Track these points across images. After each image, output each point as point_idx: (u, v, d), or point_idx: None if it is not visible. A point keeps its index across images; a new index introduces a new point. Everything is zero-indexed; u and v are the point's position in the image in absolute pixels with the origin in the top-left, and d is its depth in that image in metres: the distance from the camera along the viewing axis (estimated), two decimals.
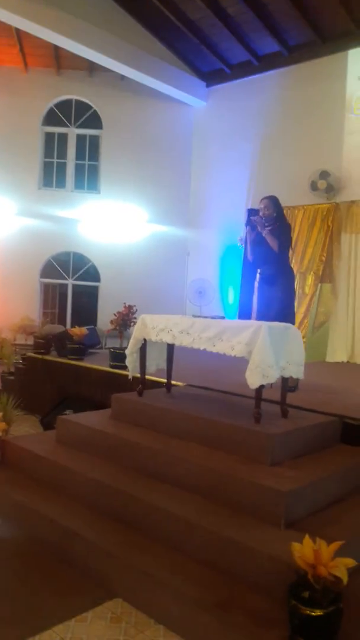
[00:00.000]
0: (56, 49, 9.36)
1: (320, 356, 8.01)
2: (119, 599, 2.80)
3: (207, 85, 10.25)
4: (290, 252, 5.08)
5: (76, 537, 3.13)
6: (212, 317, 4.23)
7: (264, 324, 3.61)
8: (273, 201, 4.89)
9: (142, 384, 4.34)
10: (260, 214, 4.85)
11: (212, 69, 10.02)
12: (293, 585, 2.26)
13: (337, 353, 8.10)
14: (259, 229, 4.80)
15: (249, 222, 4.89)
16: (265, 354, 3.48)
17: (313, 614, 2.14)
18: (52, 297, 10.66)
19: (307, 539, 2.29)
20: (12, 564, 3.10)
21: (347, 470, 3.42)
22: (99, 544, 3.02)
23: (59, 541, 3.21)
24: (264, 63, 9.41)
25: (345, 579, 2.18)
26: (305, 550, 2.25)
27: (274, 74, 9.31)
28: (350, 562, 2.24)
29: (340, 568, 2.19)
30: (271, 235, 4.71)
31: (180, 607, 2.57)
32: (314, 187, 8.36)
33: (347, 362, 7.94)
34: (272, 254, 4.76)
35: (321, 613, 2.14)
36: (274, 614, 2.41)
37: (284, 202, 8.38)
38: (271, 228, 4.76)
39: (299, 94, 8.94)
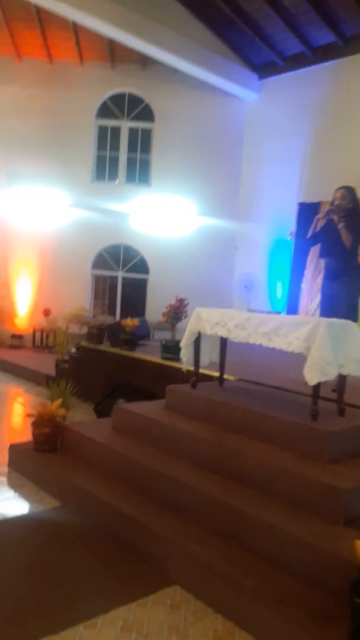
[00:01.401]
0: (110, 42, 9.48)
1: None
2: (177, 587, 2.86)
3: (260, 78, 10.16)
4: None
5: (135, 524, 3.21)
6: (267, 312, 4.23)
7: (323, 320, 3.58)
8: (350, 192, 4.62)
9: (196, 377, 4.38)
10: (335, 203, 4.59)
11: (265, 61, 9.93)
12: (356, 582, 2.25)
13: None
14: (335, 220, 4.55)
15: (327, 213, 4.64)
16: (324, 350, 3.45)
17: None
18: (103, 289, 10.85)
19: None
20: (73, 547, 3.21)
21: None
22: (158, 531, 3.09)
23: (119, 527, 3.30)
24: (318, 55, 9.25)
25: None
26: None
27: (329, 66, 9.14)
28: None
29: None
30: (346, 229, 4.47)
31: (238, 598, 2.60)
32: None
33: None
34: (341, 249, 4.53)
35: None
36: (333, 611, 2.41)
37: None
38: (346, 221, 4.50)
39: (354, 86, 8.74)
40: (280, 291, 9.53)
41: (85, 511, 3.58)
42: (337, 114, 8.95)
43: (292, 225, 9.18)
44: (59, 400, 4.42)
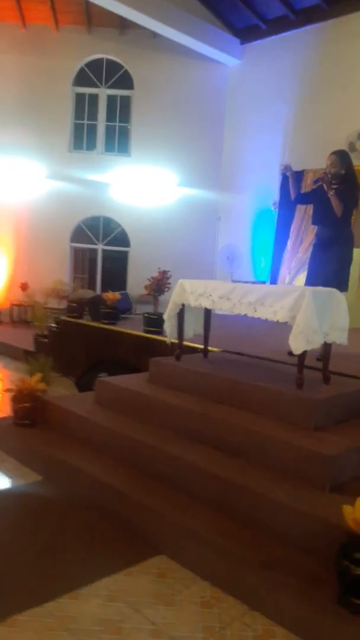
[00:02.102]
0: (87, 5, 9.13)
1: (356, 323, 7.87)
2: (163, 556, 2.85)
3: (242, 43, 9.90)
4: (354, 213, 4.60)
5: (120, 496, 3.18)
6: (252, 282, 4.16)
7: (308, 289, 3.54)
8: (341, 157, 4.37)
9: (179, 349, 4.33)
10: (327, 171, 4.37)
11: (247, 24, 9.66)
12: (344, 546, 2.25)
13: None
14: (325, 187, 4.32)
15: (316, 181, 4.43)
16: (309, 319, 3.41)
17: None
18: (82, 262, 10.67)
19: (359, 502, 2.28)
20: (57, 521, 3.17)
21: None
22: (143, 502, 3.06)
23: (102, 499, 3.27)
24: (301, 17, 9.02)
25: None
26: (357, 512, 2.25)
27: (312, 29, 8.93)
28: None
29: None
30: (337, 197, 4.26)
31: (226, 565, 2.60)
32: (351, 147, 8.07)
33: None
34: (332, 218, 4.35)
35: None
36: (321, 574, 2.43)
37: (319, 164, 8.17)
38: (337, 188, 4.29)
39: (338, 50, 8.56)
40: (264, 261, 9.47)
41: (69, 484, 3.54)
42: (321, 79, 8.78)
43: (275, 195, 9.07)
44: (39, 375, 4.34)
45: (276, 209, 8.89)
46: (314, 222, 4.66)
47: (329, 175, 4.35)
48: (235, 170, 9.92)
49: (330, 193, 4.25)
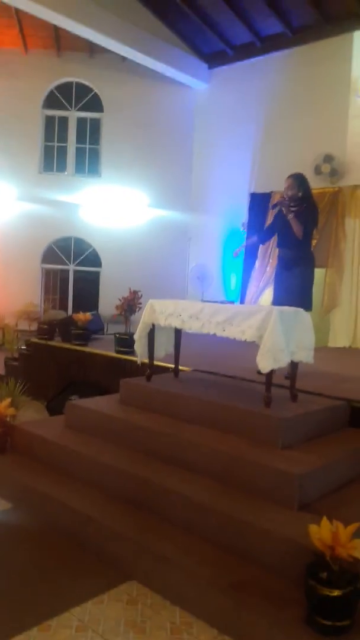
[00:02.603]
0: (56, 29, 9.22)
1: (322, 341, 8.01)
2: (133, 582, 2.82)
3: (209, 67, 10.12)
4: (316, 234, 4.76)
5: (90, 521, 3.14)
6: (221, 302, 4.23)
7: (275, 309, 3.61)
8: (298, 180, 4.52)
9: (150, 369, 4.34)
10: (284, 194, 4.52)
11: (214, 50, 9.89)
12: (311, 566, 2.28)
13: (339, 338, 8.11)
14: (284, 211, 4.48)
15: (275, 205, 4.58)
16: (276, 338, 3.47)
17: (331, 594, 2.16)
18: (54, 283, 10.62)
19: (324, 521, 2.31)
20: (26, 549, 3.12)
21: (357, 453, 3.44)
22: (113, 527, 3.03)
23: (73, 525, 3.22)
24: (267, 44, 9.28)
25: None
26: (323, 532, 2.27)
27: (278, 56, 9.19)
28: None
29: (358, 549, 2.21)
30: (296, 220, 4.39)
31: (195, 588, 2.59)
32: (317, 170, 8.29)
33: (350, 347, 7.96)
34: (293, 239, 4.49)
35: (339, 593, 2.16)
36: (289, 594, 2.44)
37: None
38: (296, 210, 4.43)
39: (302, 76, 8.83)
40: (234, 281, 9.58)
41: (37, 511, 3.49)
42: (287, 103, 9.02)
43: (244, 216, 9.23)
44: (7, 400, 4.28)
45: (245, 229, 9.03)
46: (277, 245, 4.79)
47: (287, 198, 4.48)
48: (205, 191, 10.07)
49: (290, 215, 4.40)
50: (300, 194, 4.51)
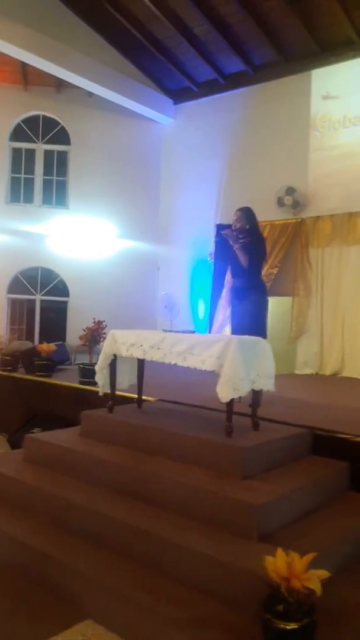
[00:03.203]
0: (23, 65, 9.34)
1: (289, 369, 8.09)
2: (89, 621, 2.73)
3: (175, 103, 10.39)
4: (264, 264, 5.01)
5: (46, 558, 3.05)
6: (183, 332, 4.25)
7: (234, 338, 3.64)
8: (245, 213, 4.77)
9: (112, 400, 4.30)
10: (233, 226, 4.74)
11: (180, 86, 10.17)
12: (267, 599, 2.24)
13: (305, 365, 8.20)
14: (230, 242, 4.69)
15: (218, 236, 4.81)
16: (236, 367, 3.49)
17: (287, 627, 2.13)
18: (20, 313, 10.49)
19: (279, 552, 2.29)
20: None
21: (319, 482, 3.44)
22: (70, 564, 2.95)
23: (30, 563, 3.12)
24: (230, 82, 9.60)
25: (318, 591, 2.17)
26: (279, 563, 2.24)
27: (240, 93, 9.50)
28: (324, 573, 2.24)
29: (314, 580, 2.18)
30: (242, 250, 4.62)
31: (153, 626, 2.52)
32: (280, 202, 8.51)
33: (316, 374, 8.05)
34: (242, 269, 4.69)
35: (296, 626, 2.12)
36: (248, 629, 2.38)
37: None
38: (243, 242, 4.65)
39: (264, 112, 9.13)
40: (202, 311, 9.65)
41: None
42: (249, 138, 9.29)
43: (210, 247, 9.36)
44: None
45: (212, 260, 9.15)
46: (231, 274, 4.95)
47: (234, 231, 4.67)
48: (172, 222, 10.20)
49: (236, 246, 4.59)
50: (247, 226, 4.74)
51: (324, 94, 8.46)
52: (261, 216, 8.60)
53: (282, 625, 2.13)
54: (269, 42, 8.47)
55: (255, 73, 9.22)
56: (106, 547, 3.09)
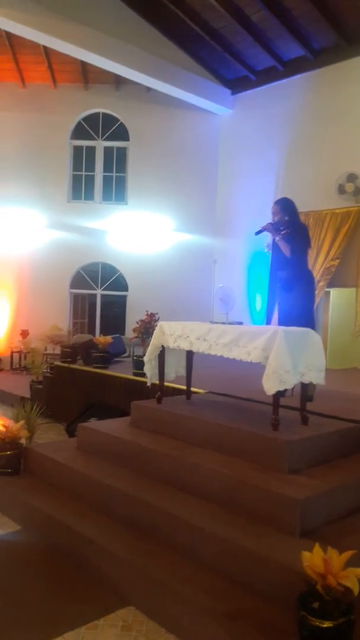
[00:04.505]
0: (83, 64, 9.57)
1: (351, 363, 7.81)
2: (131, 607, 2.78)
3: (233, 93, 10.25)
4: (310, 253, 4.88)
5: (92, 544, 3.13)
6: (230, 323, 4.20)
7: (280, 329, 3.55)
8: (281, 205, 4.65)
9: (160, 391, 4.33)
10: (272, 220, 4.66)
11: (237, 76, 10.03)
12: (303, 595, 2.18)
13: None
14: (272, 235, 4.63)
15: (259, 231, 4.71)
16: (282, 359, 3.41)
17: (323, 625, 2.06)
18: (82, 307, 10.80)
19: (317, 548, 2.22)
20: (29, 571, 3.12)
21: None
22: (114, 551, 3.01)
23: (75, 548, 3.21)
24: (289, 68, 9.35)
25: (356, 590, 2.09)
26: (315, 559, 2.18)
27: (300, 79, 9.24)
28: None
29: (351, 578, 2.11)
30: (283, 240, 4.52)
31: (190, 616, 2.52)
32: (341, 190, 8.22)
33: None
34: (286, 260, 4.58)
35: (331, 625, 2.06)
36: (284, 625, 2.34)
37: (310, 206, 8.31)
38: (285, 233, 4.55)
39: (324, 97, 8.83)
40: (259, 303, 9.51)
41: (44, 534, 3.49)
42: (310, 125, 9.02)
43: (268, 238, 9.17)
44: (22, 422, 4.34)
45: (269, 251, 8.97)
46: (277, 266, 4.85)
47: (273, 224, 4.60)
48: (230, 214, 10.11)
49: (277, 238, 4.49)
50: (286, 217, 4.61)
51: None
52: (321, 205, 8.49)
53: (317, 623, 2.07)
54: (328, 25, 8.17)
55: (314, 58, 8.93)
56: (148, 536, 3.12)
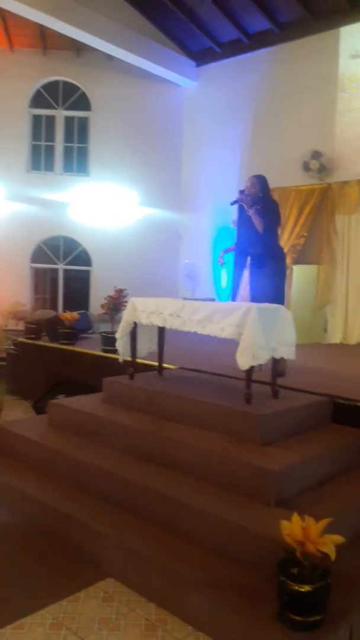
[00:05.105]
0: (42, 28, 9.16)
1: (314, 338, 8.02)
2: (111, 579, 2.82)
3: (197, 65, 10.08)
4: (279, 230, 4.92)
5: (69, 519, 3.14)
6: (203, 300, 4.22)
7: (254, 306, 3.60)
8: (260, 180, 4.69)
9: (133, 367, 4.33)
10: (246, 192, 4.66)
11: (202, 47, 9.86)
12: (282, 562, 2.27)
13: (332, 334, 8.12)
14: (245, 208, 4.63)
15: (235, 201, 4.71)
16: (255, 335, 3.47)
17: (301, 589, 2.16)
18: (44, 282, 10.59)
19: (295, 517, 2.31)
20: (5, 547, 3.11)
21: (337, 449, 3.44)
22: (91, 525, 3.03)
23: (52, 524, 3.22)
24: (254, 41, 9.26)
25: (332, 556, 2.19)
26: (294, 527, 2.27)
27: (265, 53, 9.17)
28: (339, 538, 2.26)
29: (328, 545, 2.20)
30: (257, 215, 4.54)
31: (171, 585, 2.59)
32: (306, 167, 8.29)
33: (341, 343, 7.96)
34: (258, 236, 4.61)
35: (309, 589, 2.16)
36: (264, 590, 2.43)
37: (276, 182, 8.34)
38: (256, 207, 4.57)
39: (290, 72, 8.81)
40: (225, 279, 9.57)
41: (18, 510, 3.48)
42: (276, 100, 9.00)
43: (234, 213, 9.19)
44: None
45: (235, 227, 9.01)
46: (247, 241, 4.87)
47: (248, 196, 4.59)
48: (195, 189, 10.05)
49: (251, 211, 4.50)
50: (260, 194, 4.65)
51: (353, 53, 8.10)
52: (286, 181, 8.53)
53: (297, 588, 2.17)
54: None
55: (280, 31, 8.86)
56: (126, 509, 3.16)
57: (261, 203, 4.61)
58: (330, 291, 8.18)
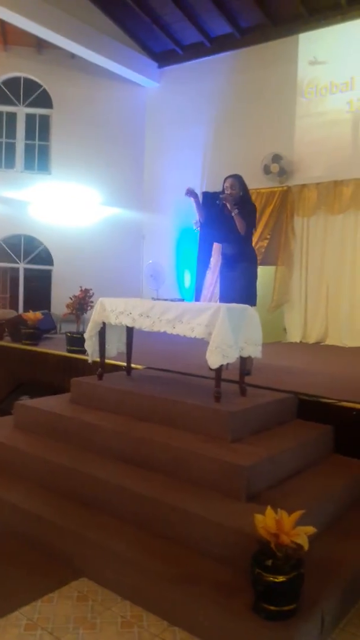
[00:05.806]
0: (2, 23, 9.00)
1: (274, 337, 8.20)
2: (84, 579, 2.82)
3: (160, 66, 10.14)
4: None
5: (40, 521, 3.12)
6: (172, 300, 4.26)
7: (223, 306, 3.67)
8: (239, 180, 4.64)
9: (101, 368, 4.33)
10: (227, 192, 4.59)
11: (164, 49, 9.93)
12: (256, 554, 2.34)
13: (291, 334, 8.32)
14: (228, 207, 4.54)
15: (219, 201, 4.63)
16: (225, 334, 3.54)
17: (276, 580, 2.23)
18: (3, 282, 10.38)
19: (269, 510, 2.38)
20: None
21: (304, 444, 3.54)
22: (64, 526, 3.02)
23: (23, 526, 3.19)
24: (216, 45, 9.39)
25: (306, 546, 2.28)
26: (268, 520, 2.34)
27: (226, 56, 9.31)
28: (310, 529, 2.35)
29: (301, 536, 2.29)
30: (239, 216, 4.50)
31: (145, 582, 2.61)
32: (266, 170, 8.47)
33: (300, 342, 8.17)
34: (236, 235, 4.59)
35: (284, 579, 2.23)
36: (238, 583, 2.49)
37: None
38: (238, 209, 4.52)
39: (251, 76, 8.98)
40: (188, 279, 9.65)
41: None
42: (235, 104, 9.15)
43: (197, 214, 9.28)
44: None
45: (198, 228, 9.09)
46: (218, 241, 4.87)
47: (230, 196, 4.58)
48: (157, 189, 10.09)
49: (235, 212, 4.48)
50: (241, 193, 4.63)
51: (311, 59, 8.34)
52: (248, 184, 8.59)
53: (271, 578, 2.24)
54: (256, 4, 8.28)
55: (242, 36, 9.02)
56: (98, 509, 3.17)
57: (242, 204, 4.56)
58: (286, 292, 8.38)
